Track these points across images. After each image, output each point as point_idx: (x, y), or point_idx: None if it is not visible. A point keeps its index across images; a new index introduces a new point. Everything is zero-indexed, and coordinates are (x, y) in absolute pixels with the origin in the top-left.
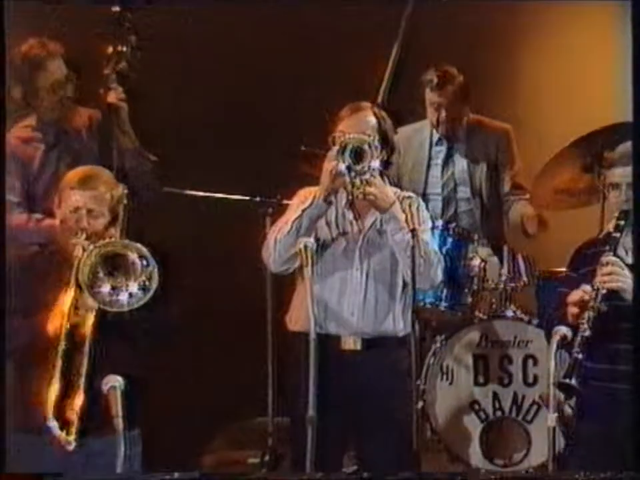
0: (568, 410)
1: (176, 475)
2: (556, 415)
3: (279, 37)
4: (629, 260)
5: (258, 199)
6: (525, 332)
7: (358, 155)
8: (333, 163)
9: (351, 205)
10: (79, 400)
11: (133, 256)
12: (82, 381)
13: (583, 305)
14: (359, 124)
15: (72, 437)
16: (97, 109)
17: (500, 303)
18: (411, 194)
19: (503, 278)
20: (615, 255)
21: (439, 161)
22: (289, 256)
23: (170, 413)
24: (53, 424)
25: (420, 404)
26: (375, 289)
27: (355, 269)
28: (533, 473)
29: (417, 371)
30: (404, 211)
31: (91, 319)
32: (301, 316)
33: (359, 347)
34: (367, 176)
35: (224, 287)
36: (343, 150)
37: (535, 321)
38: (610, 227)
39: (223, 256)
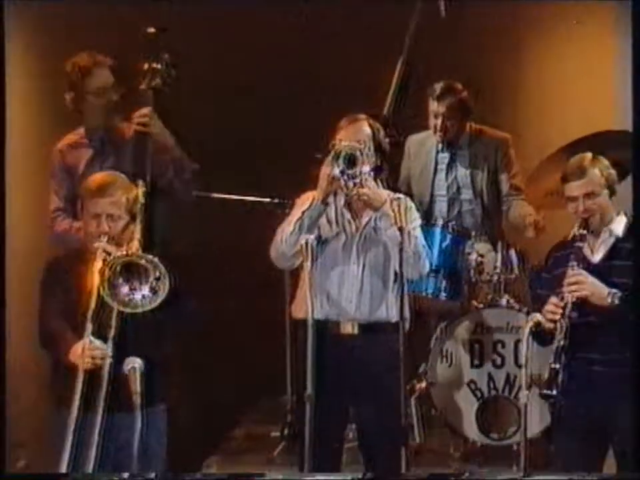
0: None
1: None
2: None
3: (298, 55)
4: (594, 258)
5: (276, 200)
6: (516, 319)
7: (351, 160)
8: (329, 168)
9: (348, 205)
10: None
11: (146, 264)
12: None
13: (557, 315)
14: (355, 133)
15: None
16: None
17: (494, 293)
18: (400, 195)
19: (497, 271)
20: (580, 262)
21: (444, 166)
22: (292, 253)
23: (200, 392)
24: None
25: (423, 384)
26: (371, 280)
27: (352, 263)
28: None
29: (407, 352)
30: (393, 210)
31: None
32: (303, 305)
33: (356, 331)
34: (358, 179)
35: (246, 279)
36: (337, 156)
37: (525, 309)
38: (574, 231)
39: (243, 251)
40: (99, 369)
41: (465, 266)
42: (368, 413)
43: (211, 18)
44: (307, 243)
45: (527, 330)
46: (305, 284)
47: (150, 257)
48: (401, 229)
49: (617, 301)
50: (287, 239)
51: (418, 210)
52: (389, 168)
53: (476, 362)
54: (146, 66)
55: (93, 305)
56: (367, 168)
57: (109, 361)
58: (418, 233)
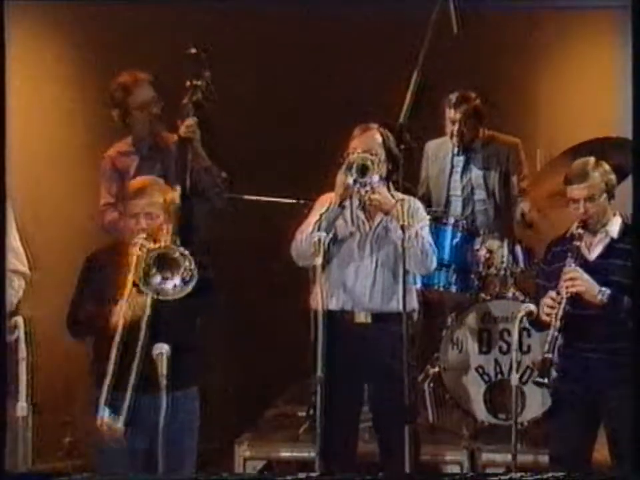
0: (554, 373)
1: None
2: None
3: (322, 70)
4: (591, 256)
5: (302, 201)
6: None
7: (363, 170)
8: (343, 177)
9: (363, 207)
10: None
11: (178, 256)
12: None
13: (554, 309)
14: (367, 141)
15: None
16: (176, 133)
17: (502, 286)
18: (405, 196)
19: (504, 265)
20: (577, 259)
21: (459, 169)
22: (311, 252)
23: (236, 376)
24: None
25: (436, 369)
26: (382, 274)
27: (366, 259)
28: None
29: (414, 339)
30: (397, 210)
31: (148, 302)
32: (320, 297)
33: (369, 320)
34: (369, 187)
35: (274, 273)
36: (350, 166)
37: (528, 300)
38: (572, 229)
39: (272, 247)
40: (138, 320)
41: (474, 261)
42: (379, 394)
43: (241, 39)
44: (319, 240)
45: (518, 319)
46: (317, 276)
47: (182, 249)
48: (403, 227)
49: (605, 299)
50: (307, 238)
51: (428, 211)
52: (405, 171)
53: (484, 349)
54: (188, 82)
55: (128, 290)
56: (376, 177)
57: (141, 342)
58: (425, 232)
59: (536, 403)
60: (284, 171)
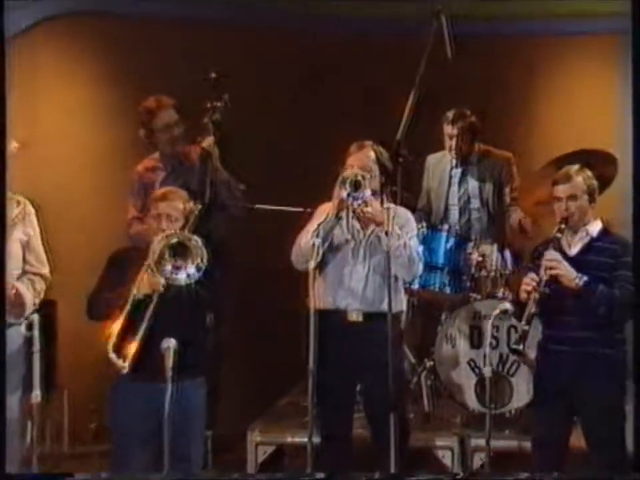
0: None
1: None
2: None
3: (328, 90)
4: (571, 252)
5: (309, 210)
6: (509, 308)
7: (356, 185)
8: (338, 191)
9: (357, 217)
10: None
11: (191, 245)
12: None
13: (531, 288)
14: (362, 158)
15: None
16: (197, 149)
17: (492, 287)
18: (390, 205)
19: (494, 268)
20: (557, 249)
21: (457, 180)
22: (308, 258)
23: (251, 370)
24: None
25: (430, 363)
26: (374, 278)
27: (359, 264)
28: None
29: (399, 338)
30: (384, 218)
31: (159, 291)
32: (319, 296)
33: (361, 319)
34: (362, 200)
35: (278, 276)
36: (344, 182)
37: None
38: (555, 230)
39: (278, 251)
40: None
41: (466, 264)
42: (370, 386)
43: (251, 62)
44: (314, 245)
45: (493, 315)
46: (310, 278)
47: (195, 238)
48: (387, 233)
49: (581, 284)
50: (305, 245)
51: (423, 220)
52: (404, 183)
53: (475, 344)
54: (208, 104)
55: (143, 272)
56: (368, 192)
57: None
58: (413, 242)
59: (523, 393)
60: (290, 182)
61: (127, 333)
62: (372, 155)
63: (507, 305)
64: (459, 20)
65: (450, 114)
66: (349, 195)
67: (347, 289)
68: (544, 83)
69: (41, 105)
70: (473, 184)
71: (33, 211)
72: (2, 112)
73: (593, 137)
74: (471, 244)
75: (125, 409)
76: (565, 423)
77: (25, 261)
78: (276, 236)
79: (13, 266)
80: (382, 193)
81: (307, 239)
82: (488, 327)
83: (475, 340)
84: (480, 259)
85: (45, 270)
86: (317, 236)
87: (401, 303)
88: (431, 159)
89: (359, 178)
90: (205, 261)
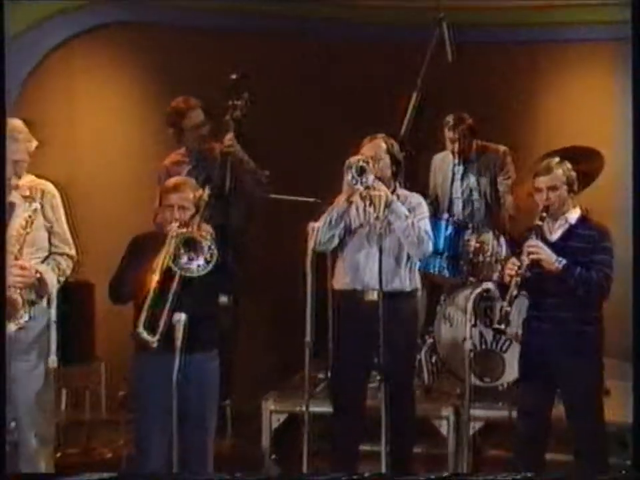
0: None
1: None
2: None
3: (339, 92)
4: (552, 237)
5: (320, 200)
6: (491, 288)
7: (360, 170)
8: (346, 177)
9: (371, 204)
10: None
11: (202, 240)
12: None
13: (514, 272)
14: (374, 148)
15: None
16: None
17: (488, 271)
18: (402, 191)
19: (489, 254)
20: (538, 236)
21: (459, 176)
22: (325, 240)
23: (267, 344)
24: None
25: (430, 340)
26: (388, 259)
27: (373, 246)
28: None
29: (416, 314)
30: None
31: (176, 278)
32: (338, 278)
33: (376, 297)
34: (367, 184)
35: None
36: (350, 167)
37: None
38: (536, 218)
39: (293, 240)
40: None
41: (464, 250)
42: (386, 359)
43: (267, 64)
44: (312, 229)
45: (474, 293)
46: (307, 261)
47: (204, 234)
48: (377, 218)
49: (561, 267)
50: (320, 229)
51: (432, 206)
52: (408, 175)
53: (471, 323)
54: (230, 102)
55: (161, 262)
56: (372, 177)
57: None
58: (422, 223)
59: (514, 368)
60: (306, 173)
61: (154, 310)
62: (383, 145)
63: (490, 285)
64: (460, 28)
65: (450, 119)
66: (353, 178)
67: (364, 270)
68: (544, 90)
69: (78, 105)
70: (473, 178)
71: (57, 194)
72: (2, 112)
73: (592, 144)
74: (469, 231)
75: (142, 379)
76: (547, 394)
77: (50, 243)
78: (295, 223)
79: (40, 253)
80: (395, 180)
81: (322, 222)
82: (469, 304)
83: (471, 319)
84: (477, 245)
85: (69, 250)
86: (330, 219)
87: (415, 281)
88: (436, 158)
89: (363, 164)
90: (213, 256)
